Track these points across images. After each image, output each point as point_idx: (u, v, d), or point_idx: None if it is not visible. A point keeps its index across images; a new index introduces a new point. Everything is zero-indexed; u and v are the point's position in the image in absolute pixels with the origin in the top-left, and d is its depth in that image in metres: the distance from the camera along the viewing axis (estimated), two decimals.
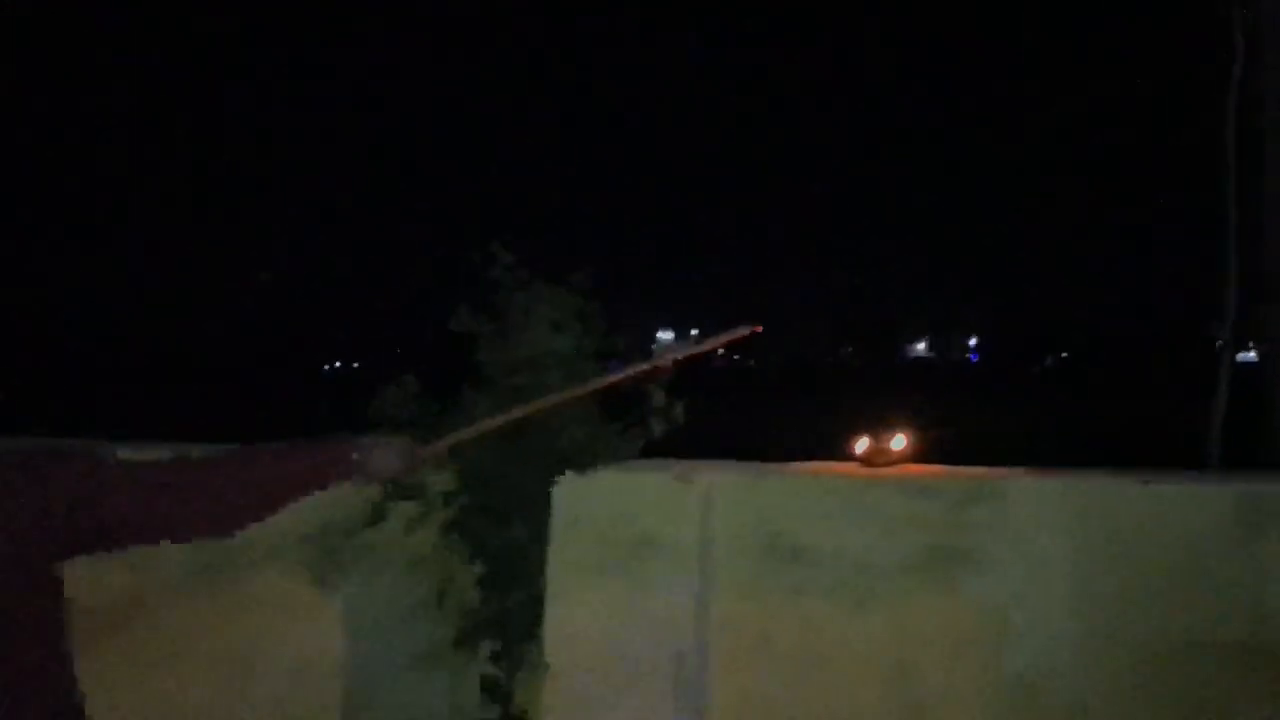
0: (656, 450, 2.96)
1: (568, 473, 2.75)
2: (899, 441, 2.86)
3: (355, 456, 1.98)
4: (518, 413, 2.34)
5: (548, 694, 2.78)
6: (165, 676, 3.27)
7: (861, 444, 2.89)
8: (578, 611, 2.77)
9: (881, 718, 2.64)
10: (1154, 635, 2.48)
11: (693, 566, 2.70)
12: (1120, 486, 2.54)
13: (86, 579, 3.37)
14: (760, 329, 2.42)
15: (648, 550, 2.72)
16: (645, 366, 2.39)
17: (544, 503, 2.74)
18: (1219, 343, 5.34)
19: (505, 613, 2.82)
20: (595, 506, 2.75)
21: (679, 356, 2.47)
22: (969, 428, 12.73)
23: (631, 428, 2.88)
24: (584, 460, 2.78)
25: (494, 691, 2.82)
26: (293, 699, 3.01)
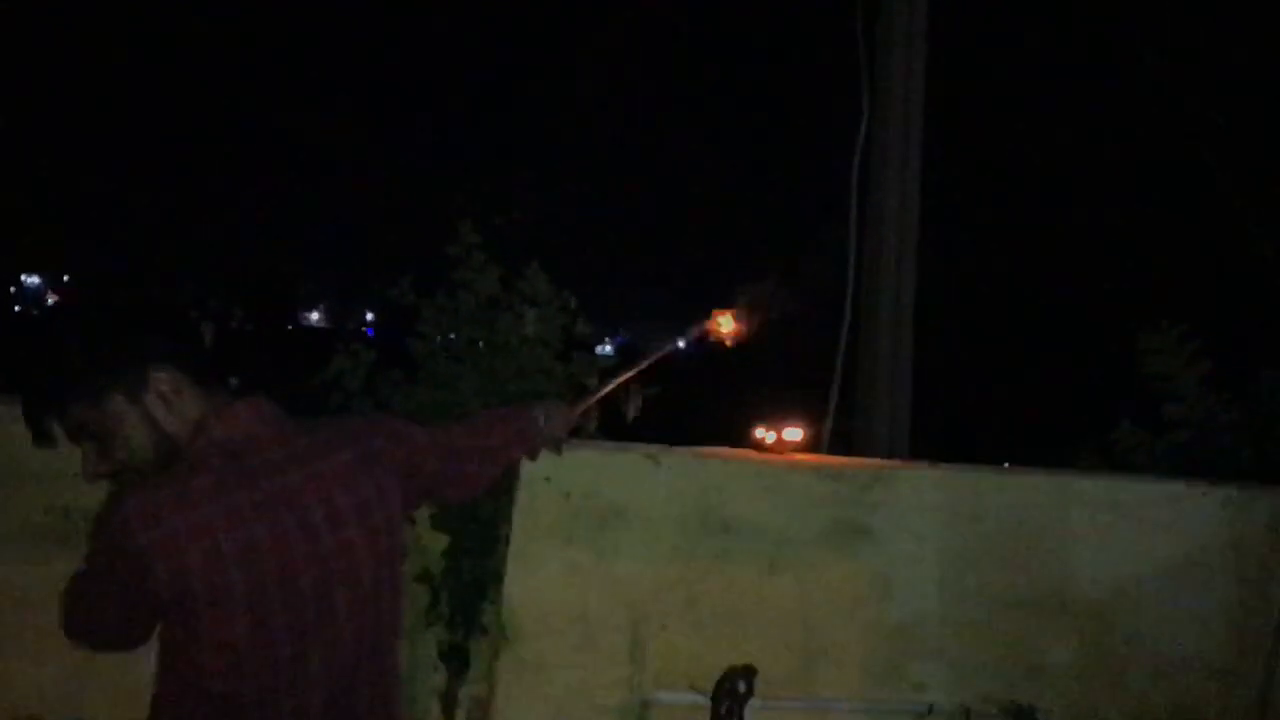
0: None
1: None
2: (794, 433, 3.38)
3: (541, 421, 2.08)
4: (643, 365, 2.39)
5: (504, 657, 2.95)
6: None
7: (763, 434, 3.38)
8: (540, 577, 2.98)
9: (785, 665, 3.14)
10: (992, 591, 3.23)
11: (654, 537, 3.03)
12: (980, 476, 3.27)
13: None
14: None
15: (616, 520, 3.00)
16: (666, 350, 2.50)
17: (511, 474, 2.89)
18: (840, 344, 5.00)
19: (468, 581, 2.93)
20: (565, 479, 2.98)
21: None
22: None
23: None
24: None
25: (450, 657, 2.92)
26: None
